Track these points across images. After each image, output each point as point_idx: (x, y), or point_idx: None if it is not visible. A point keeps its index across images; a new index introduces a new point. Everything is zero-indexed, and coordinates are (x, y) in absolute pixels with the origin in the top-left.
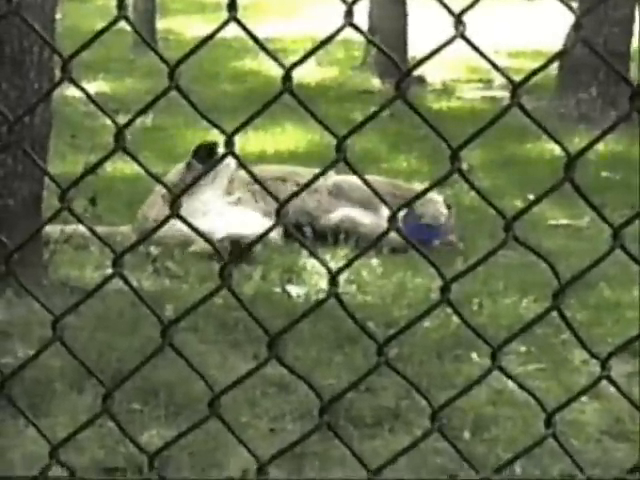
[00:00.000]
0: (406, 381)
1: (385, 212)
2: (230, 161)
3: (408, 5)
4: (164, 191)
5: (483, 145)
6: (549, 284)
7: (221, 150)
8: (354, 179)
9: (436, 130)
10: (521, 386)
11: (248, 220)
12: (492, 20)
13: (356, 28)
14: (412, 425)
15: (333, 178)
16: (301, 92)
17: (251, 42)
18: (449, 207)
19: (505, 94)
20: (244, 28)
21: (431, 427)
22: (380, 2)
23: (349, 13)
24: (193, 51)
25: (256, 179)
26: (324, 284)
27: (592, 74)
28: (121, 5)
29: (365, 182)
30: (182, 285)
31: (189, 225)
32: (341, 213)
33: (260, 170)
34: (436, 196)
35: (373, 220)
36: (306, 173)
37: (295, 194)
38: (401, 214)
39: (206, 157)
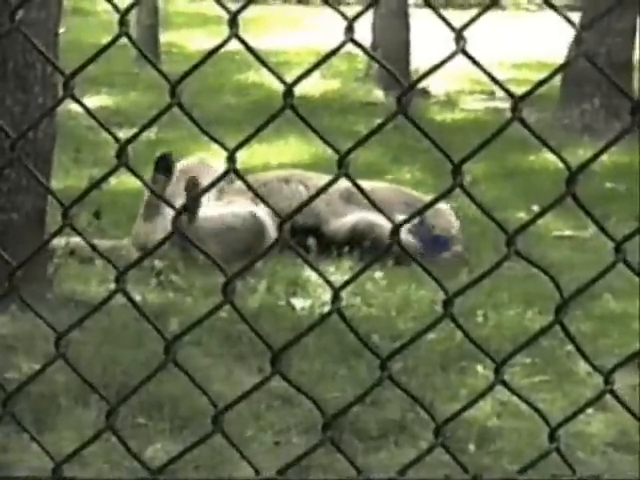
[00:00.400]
0: (409, 396)
1: (398, 218)
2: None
3: (411, 18)
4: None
5: (486, 157)
6: (553, 296)
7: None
8: (366, 184)
9: (437, 145)
10: (525, 401)
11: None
12: (495, 32)
13: (357, 44)
14: (418, 438)
15: (345, 183)
16: (304, 104)
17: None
18: (459, 218)
19: (508, 105)
20: (246, 45)
21: (435, 442)
22: (383, 15)
23: (350, 29)
24: (195, 68)
25: (259, 195)
26: (328, 296)
27: (595, 85)
28: (122, 22)
29: (367, 198)
30: (186, 298)
31: (190, 241)
32: (357, 215)
33: (262, 174)
34: (447, 207)
35: (388, 224)
36: (311, 174)
37: (295, 212)
38: (408, 225)
39: (165, 169)
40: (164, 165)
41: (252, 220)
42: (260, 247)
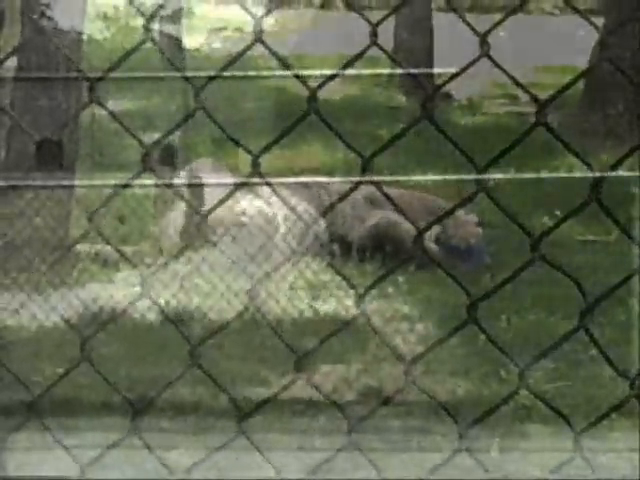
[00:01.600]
0: (433, 400)
1: (422, 223)
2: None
3: (434, 21)
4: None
5: (510, 161)
6: (577, 300)
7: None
8: (390, 189)
9: (462, 150)
10: (549, 405)
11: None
12: (519, 34)
13: (381, 48)
14: (441, 442)
15: (369, 187)
16: (327, 108)
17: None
18: (482, 226)
19: (531, 110)
20: (269, 50)
21: (459, 446)
22: (406, 18)
23: (374, 33)
24: (219, 73)
25: (283, 200)
26: (351, 300)
27: (619, 90)
28: (147, 27)
29: (392, 202)
30: (210, 302)
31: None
32: (380, 214)
33: (283, 179)
34: (470, 217)
35: (411, 226)
36: (332, 179)
37: (317, 218)
38: (434, 232)
39: (169, 160)
40: (168, 156)
41: (261, 217)
42: (272, 242)
